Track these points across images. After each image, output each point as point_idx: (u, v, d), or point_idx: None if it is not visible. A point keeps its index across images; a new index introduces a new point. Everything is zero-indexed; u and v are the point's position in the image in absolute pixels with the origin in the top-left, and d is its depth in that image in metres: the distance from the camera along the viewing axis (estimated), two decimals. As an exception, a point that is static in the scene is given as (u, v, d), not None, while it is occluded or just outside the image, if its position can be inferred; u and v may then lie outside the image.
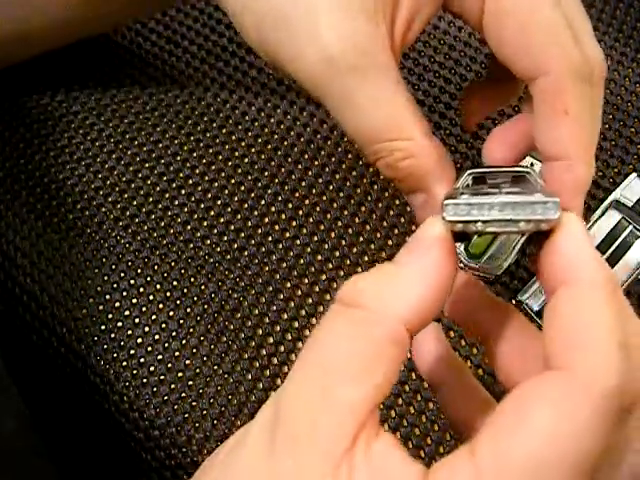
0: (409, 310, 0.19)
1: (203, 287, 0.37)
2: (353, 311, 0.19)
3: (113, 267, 0.38)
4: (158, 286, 0.37)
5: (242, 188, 0.40)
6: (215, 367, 0.35)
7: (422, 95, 0.42)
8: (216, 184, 0.40)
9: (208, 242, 0.38)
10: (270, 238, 0.38)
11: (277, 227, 0.39)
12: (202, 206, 0.39)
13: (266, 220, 0.39)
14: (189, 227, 0.39)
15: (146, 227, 0.39)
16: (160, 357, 0.36)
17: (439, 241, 0.20)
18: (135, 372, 0.36)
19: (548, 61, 0.23)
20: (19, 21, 0.36)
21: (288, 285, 0.37)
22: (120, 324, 0.37)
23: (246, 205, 0.39)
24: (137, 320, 0.37)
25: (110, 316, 0.37)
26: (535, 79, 0.23)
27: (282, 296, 0.37)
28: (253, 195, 0.40)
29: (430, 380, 0.27)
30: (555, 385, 0.17)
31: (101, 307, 0.37)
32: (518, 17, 0.23)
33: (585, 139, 0.23)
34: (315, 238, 0.38)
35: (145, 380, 0.35)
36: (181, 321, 0.37)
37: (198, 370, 0.35)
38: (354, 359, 0.18)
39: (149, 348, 0.36)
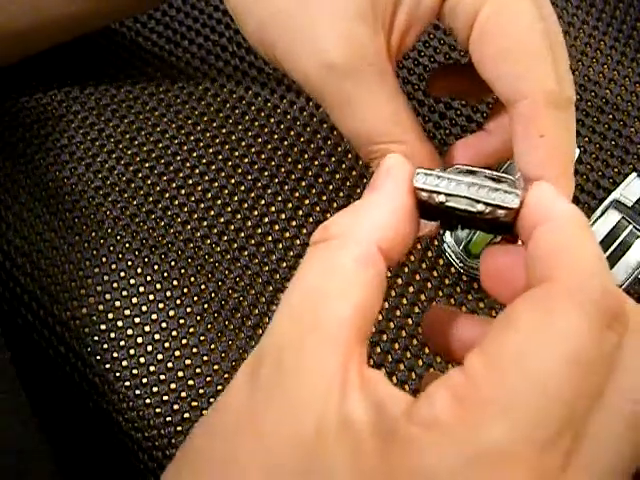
0: (374, 231, 0.20)
1: (203, 287, 0.37)
2: (322, 244, 0.20)
3: (113, 267, 0.38)
4: (158, 286, 0.37)
5: (242, 188, 0.40)
6: (215, 367, 0.35)
7: (422, 95, 0.42)
8: (216, 184, 0.40)
9: (208, 242, 0.38)
10: (270, 238, 0.38)
11: (277, 227, 0.39)
12: (202, 206, 0.39)
13: (266, 220, 0.39)
14: (189, 227, 0.39)
15: (146, 227, 0.39)
16: (160, 357, 0.36)
17: (394, 168, 0.22)
18: (134, 372, 0.36)
19: (526, 88, 0.24)
20: (13, 18, 0.36)
21: (288, 285, 0.37)
22: (120, 324, 0.37)
23: (246, 205, 0.39)
24: (137, 320, 0.37)
25: (110, 316, 0.37)
26: (513, 103, 0.25)
27: (282, 296, 0.37)
28: (253, 195, 0.40)
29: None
30: (539, 293, 0.18)
31: (101, 307, 0.37)
32: (502, 43, 0.24)
33: (561, 161, 0.25)
34: (315, 238, 0.38)
35: (144, 380, 0.35)
36: (181, 321, 0.37)
37: (198, 370, 0.35)
38: (330, 285, 0.19)
39: (149, 348, 0.36)
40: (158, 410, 0.35)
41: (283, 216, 0.39)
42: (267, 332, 0.20)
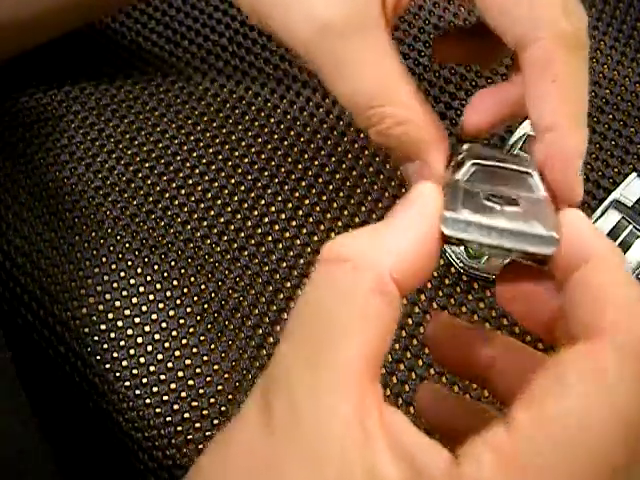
0: (393, 260, 0.19)
1: (203, 287, 0.37)
2: (336, 266, 0.19)
3: (113, 267, 0.38)
4: (158, 286, 0.37)
5: (242, 188, 0.40)
6: (215, 367, 0.35)
7: (422, 95, 0.42)
8: (216, 184, 0.40)
9: (208, 242, 0.38)
10: (270, 238, 0.38)
11: (277, 227, 0.39)
12: (202, 206, 0.39)
13: (266, 220, 0.39)
14: (189, 227, 0.39)
15: (146, 226, 0.39)
16: (160, 357, 0.36)
17: (423, 197, 0.21)
18: (134, 372, 0.36)
19: (538, 31, 0.23)
20: (14, 8, 0.36)
21: (288, 285, 0.37)
22: (120, 324, 0.37)
23: (246, 205, 0.39)
24: (137, 320, 0.37)
25: (110, 316, 0.37)
26: (524, 48, 0.23)
27: (282, 296, 0.37)
28: (253, 195, 0.40)
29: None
30: (589, 351, 0.17)
31: (101, 307, 0.37)
32: None
33: (574, 106, 0.23)
34: (315, 238, 0.38)
35: (144, 380, 0.35)
36: (181, 321, 0.37)
37: (198, 370, 0.35)
38: (342, 316, 0.18)
39: (149, 348, 0.36)
40: (158, 410, 0.35)
41: (283, 216, 0.39)
42: (277, 359, 0.18)
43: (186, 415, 0.35)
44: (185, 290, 0.37)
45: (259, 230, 0.39)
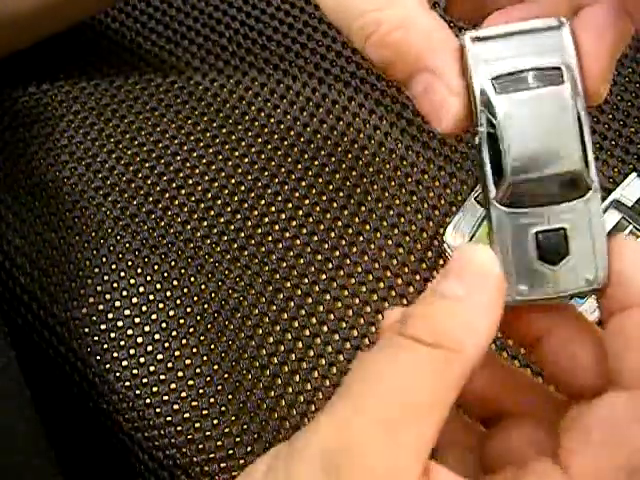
0: (481, 348, 0.19)
1: (203, 287, 0.37)
2: (431, 350, 0.18)
3: (113, 267, 0.38)
4: (158, 286, 0.37)
5: (242, 188, 0.40)
6: (215, 367, 0.35)
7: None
8: (216, 184, 0.40)
9: (208, 242, 0.38)
10: (270, 238, 0.38)
11: (277, 227, 0.39)
12: (202, 206, 0.39)
13: (266, 220, 0.39)
14: (189, 227, 0.39)
15: (146, 227, 0.39)
16: (160, 357, 0.36)
17: (498, 277, 0.20)
18: (135, 372, 0.36)
19: None
20: (7, 5, 0.36)
21: (288, 285, 0.37)
22: (120, 324, 0.37)
23: (246, 205, 0.39)
24: (137, 320, 0.37)
25: (110, 316, 0.37)
26: None
27: (282, 296, 0.37)
28: (253, 195, 0.40)
29: None
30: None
31: (101, 307, 0.37)
32: None
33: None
34: (315, 238, 0.38)
35: (145, 380, 0.35)
36: (181, 321, 0.37)
37: (198, 370, 0.35)
38: (427, 400, 0.18)
39: (149, 348, 0.36)
40: (158, 410, 0.35)
41: (283, 216, 0.39)
42: (339, 425, 0.18)
43: (186, 415, 0.35)
44: (185, 290, 0.37)
45: (259, 230, 0.39)
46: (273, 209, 0.39)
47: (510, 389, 0.23)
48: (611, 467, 0.18)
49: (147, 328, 0.36)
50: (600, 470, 0.18)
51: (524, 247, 0.21)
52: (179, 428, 0.34)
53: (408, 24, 0.21)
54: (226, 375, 0.35)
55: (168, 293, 0.37)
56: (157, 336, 0.36)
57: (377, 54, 0.22)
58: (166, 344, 0.36)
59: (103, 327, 0.37)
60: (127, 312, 0.37)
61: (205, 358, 0.36)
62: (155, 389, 0.35)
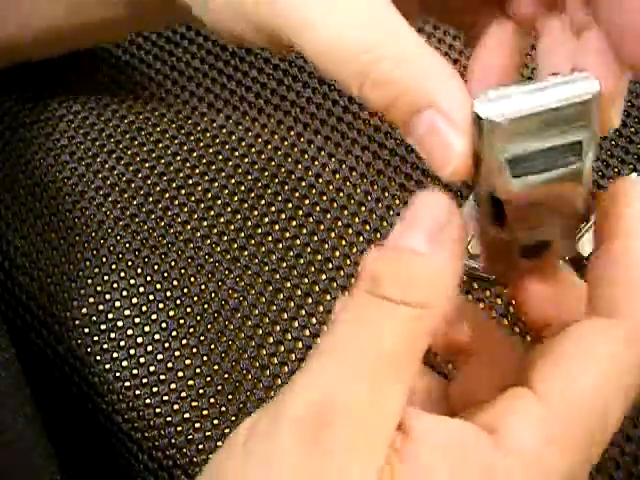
0: (446, 299, 0.20)
1: (203, 287, 0.37)
2: (402, 308, 0.19)
3: (113, 267, 0.38)
4: (158, 286, 0.37)
5: (242, 188, 0.40)
6: (215, 367, 0.35)
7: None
8: (216, 184, 0.40)
9: (208, 242, 0.38)
10: (270, 238, 0.38)
11: (277, 227, 0.39)
12: (202, 206, 0.39)
13: (266, 220, 0.39)
14: (189, 227, 0.39)
15: (146, 227, 0.39)
16: (160, 357, 0.36)
17: (458, 228, 0.20)
18: (134, 372, 0.36)
19: None
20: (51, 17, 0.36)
21: (288, 285, 0.37)
22: (120, 324, 0.37)
23: (246, 205, 0.39)
24: (137, 320, 0.37)
25: (110, 316, 0.37)
26: None
27: (282, 296, 0.37)
28: (253, 195, 0.40)
29: None
30: (613, 330, 0.19)
31: (101, 307, 0.37)
32: None
33: None
34: (315, 238, 0.38)
35: (144, 380, 0.35)
36: (181, 321, 0.36)
37: (198, 370, 0.35)
38: (402, 354, 0.19)
39: (149, 348, 0.36)
40: (158, 410, 0.35)
41: (283, 216, 0.39)
42: (320, 377, 0.19)
43: (186, 415, 0.34)
44: (185, 290, 0.37)
45: (259, 230, 0.39)
46: (273, 209, 0.39)
47: (472, 329, 0.24)
48: (587, 388, 0.19)
49: (147, 328, 0.36)
50: (576, 391, 0.19)
51: None
52: (179, 428, 0.34)
53: (410, 59, 0.20)
54: (226, 375, 0.35)
55: (168, 293, 0.37)
56: (157, 336, 0.36)
57: (377, 95, 0.20)
58: (166, 344, 0.36)
59: (103, 327, 0.37)
60: (127, 312, 0.37)
61: (205, 358, 0.36)
62: (155, 389, 0.35)
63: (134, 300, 0.37)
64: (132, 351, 0.36)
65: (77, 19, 0.35)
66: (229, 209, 0.39)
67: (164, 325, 0.36)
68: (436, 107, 0.20)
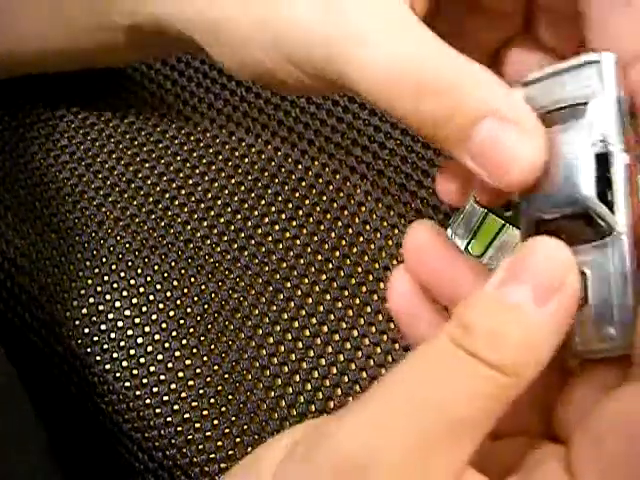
0: (540, 370, 0.18)
1: (203, 287, 0.37)
2: (492, 374, 0.17)
3: (113, 267, 0.38)
4: (158, 286, 0.37)
5: (242, 188, 0.40)
6: (215, 367, 0.35)
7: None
8: (216, 184, 0.40)
9: (208, 242, 0.38)
10: (270, 238, 0.38)
11: (277, 227, 0.39)
12: (202, 206, 0.39)
13: (266, 220, 0.39)
14: (189, 227, 0.39)
15: (146, 227, 0.39)
16: (160, 357, 0.36)
17: (575, 285, 0.18)
18: (134, 372, 0.36)
19: None
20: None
21: (288, 285, 0.37)
22: (120, 324, 0.37)
23: (246, 205, 0.39)
24: (137, 320, 0.37)
25: (110, 316, 0.37)
26: None
27: (282, 296, 0.37)
28: (253, 195, 0.39)
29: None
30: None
31: (101, 307, 0.37)
32: None
33: None
34: (315, 238, 0.38)
35: (144, 380, 0.35)
36: (181, 321, 0.36)
37: (198, 370, 0.35)
38: (475, 421, 0.17)
39: (149, 348, 0.36)
40: (158, 410, 0.35)
41: (283, 216, 0.39)
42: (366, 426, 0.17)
43: (186, 415, 0.34)
44: (185, 290, 0.37)
45: (259, 230, 0.39)
46: (273, 209, 0.39)
47: None
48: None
49: (147, 328, 0.36)
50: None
51: None
52: (179, 428, 0.34)
53: (465, 71, 0.20)
54: (226, 375, 0.35)
55: (168, 293, 0.37)
56: (157, 336, 0.36)
57: (434, 109, 0.20)
58: (166, 344, 0.36)
59: (103, 327, 0.37)
60: (127, 312, 0.37)
61: (205, 358, 0.36)
62: (155, 389, 0.35)
63: (134, 300, 0.37)
64: (132, 351, 0.36)
65: (76, 43, 0.35)
66: (229, 209, 0.39)
67: (164, 325, 0.36)
68: (499, 115, 0.19)
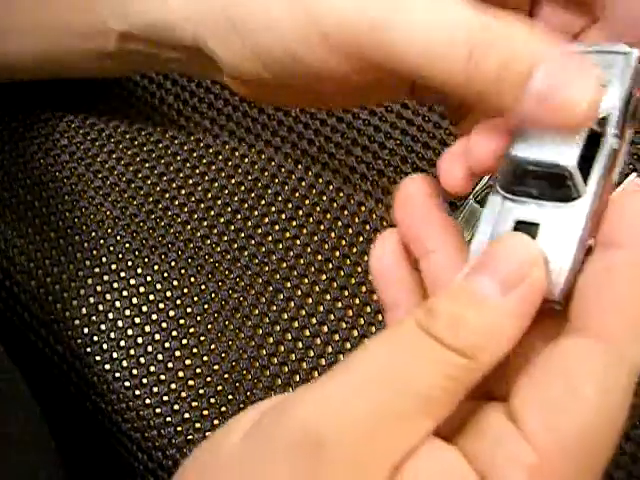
0: (501, 356, 0.18)
1: (203, 287, 0.37)
2: (453, 356, 0.18)
3: (113, 266, 0.38)
4: (158, 286, 0.37)
5: (242, 188, 0.40)
6: (215, 367, 0.35)
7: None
8: (216, 184, 0.40)
9: (208, 242, 0.38)
10: (270, 238, 0.38)
11: (277, 227, 0.39)
12: (202, 206, 0.39)
13: (266, 220, 0.39)
14: (189, 227, 0.39)
15: (146, 227, 0.39)
16: (160, 357, 0.36)
17: (540, 281, 0.18)
18: (134, 372, 0.36)
19: None
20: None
21: (288, 285, 0.37)
22: (120, 324, 0.37)
23: (246, 205, 0.39)
24: (137, 320, 0.37)
25: (110, 316, 0.37)
26: None
27: (282, 296, 0.37)
28: (253, 195, 0.39)
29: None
30: (596, 357, 0.18)
31: (101, 307, 0.37)
32: None
33: None
34: (315, 238, 0.38)
35: (144, 380, 0.35)
36: (181, 321, 0.36)
37: (198, 370, 0.35)
38: (435, 398, 0.18)
39: (149, 348, 0.36)
40: (158, 410, 0.35)
41: (283, 216, 0.39)
42: (325, 398, 0.18)
43: (186, 415, 0.34)
44: (185, 290, 0.37)
45: (259, 230, 0.39)
46: (273, 209, 0.39)
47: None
48: (577, 429, 0.17)
49: (147, 328, 0.36)
50: (567, 434, 0.17)
51: (500, 232, 0.21)
52: (179, 428, 0.34)
53: (515, 26, 0.20)
54: (226, 375, 0.35)
55: (168, 293, 0.37)
56: (157, 336, 0.36)
57: (489, 63, 0.20)
58: (166, 344, 0.36)
59: (103, 327, 0.37)
60: (127, 312, 0.37)
61: (205, 358, 0.36)
62: (155, 389, 0.35)
63: (134, 300, 0.37)
64: (132, 351, 0.36)
65: (60, 48, 0.35)
66: (229, 209, 0.39)
67: (164, 325, 0.36)
68: (555, 58, 0.20)
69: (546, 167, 0.20)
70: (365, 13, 0.21)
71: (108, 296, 0.37)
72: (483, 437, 0.18)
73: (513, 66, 0.20)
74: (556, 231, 0.20)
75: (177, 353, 0.36)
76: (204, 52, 0.27)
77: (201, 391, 0.35)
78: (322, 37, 0.22)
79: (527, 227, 0.20)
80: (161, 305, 0.37)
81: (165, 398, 0.35)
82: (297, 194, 0.39)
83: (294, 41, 0.23)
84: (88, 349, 0.36)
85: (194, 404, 0.35)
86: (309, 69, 0.24)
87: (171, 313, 0.37)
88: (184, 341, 0.36)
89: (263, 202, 0.39)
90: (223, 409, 0.34)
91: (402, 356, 0.18)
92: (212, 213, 0.39)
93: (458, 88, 0.21)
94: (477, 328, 0.18)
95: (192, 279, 0.37)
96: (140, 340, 0.36)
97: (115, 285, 0.37)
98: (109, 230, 0.39)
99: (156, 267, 0.38)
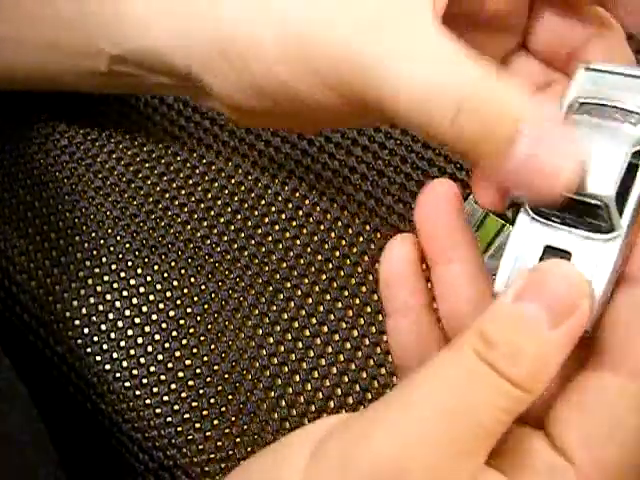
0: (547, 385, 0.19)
1: (203, 287, 0.37)
2: (509, 388, 0.18)
3: (113, 267, 0.38)
4: (158, 286, 0.37)
5: (242, 188, 0.40)
6: (215, 367, 0.35)
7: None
8: (216, 184, 0.40)
9: (208, 242, 0.38)
10: (270, 238, 0.38)
11: (277, 227, 0.39)
12: (202, 206, 0.39)
13: (266, 220, 0.39)
14: (189, 227, 0.39)
15: (146, 227, 0.39)
16: (160, 357, 0.36)
17: (585, 312, 0.18)
18: (134, 372, 0.36)
19: None
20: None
21: (288, 285, 0.37)
22: (120, 324, 0.37)
23: (246, 205, 0.39)
24: (137, 320, 0.37)
25: (110, 316, 0.37)
26: None
27: (282, 296, 0.37)
28: (253, 195, 0.40)
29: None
30: (633, 392, 0.19)
31: (101, 307, 0.37)
32: None
33: None
34: (315, 238, 0.38)
35: (144, 380, 0.35)
36: (181, 321, 0.36)
37: (198, 370, 0.35)
38: (493, 431, 0.18)
39: (149, 348, 0.36)
40: (158, 411, 0.35)
41: (283, 216, 0.39)
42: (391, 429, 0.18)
43: (186, 415, 0.34)
44: (185, 290, 0.37)
45: (259, 230, 0.39)
46: (273, 209, 0.39)
47: None
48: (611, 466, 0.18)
49: (147, 328, 0.36)
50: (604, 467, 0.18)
51: (529, 257, 0.20)
52: (179, 428, 0.34)
53: (503, 89, 0.21)
54: (226, 375, 0.35)
55: (168, 293, 0.37)
56: (157, 336, 0.36)
57: (473, 125, 0.20)
58: (166, 344, 0.36)
59: (103, 327, 0.37)
60: (127, 312, 0.37)
61: (205, 358, 0.36)
62: (155, 389, 0.35)
63: (134, 300, 0.37)
64: (132, 351, 0.36)
65: (48, 64, 0.34)
66: (229, 209, 0.39)
67: (164, 325, 0.36)
68: (540, 127, 0.20)
69: (583, 196, 0.19)
70: (359, 55, 0.21)
71: (108, 296, 0.37)
72: (533, 469, 0.19)
73: (497, 133, 0.20)
74: (588, 262, 0.20)
75: (177, 353, 0.36)
76: (196, 82, 0.27)
77: (201, 391, 0.35)
78: (314, 74, 0.23)
79: (558, 253, 0.20)
80: (161, 305, 0.37)
81: (165, 398, 0.35)
82: (297, 194, 0.39)
83: (286, 73, 0.23)
84: (88, 349, 0.36)
85: (194, 404, 0.35)
86: (302, 100, 0.24)
87: (171, 313, 0.37)
88: (184, 341, 0.36)
89: (263, 202, 0.39)
90: (223, 409, 0.34)
91: (465, 386, 0.18)
92: (212, 213, 0.39)
93: (443, 143, 0.21)
94: (534, 360, 0.18)
95: (192, 279, 0.37)
96: (140, 340, 0.36)
97: (115, 285, 0.37)
98: (109, 230, 0.39)
99: (156, 267, 0.38)
